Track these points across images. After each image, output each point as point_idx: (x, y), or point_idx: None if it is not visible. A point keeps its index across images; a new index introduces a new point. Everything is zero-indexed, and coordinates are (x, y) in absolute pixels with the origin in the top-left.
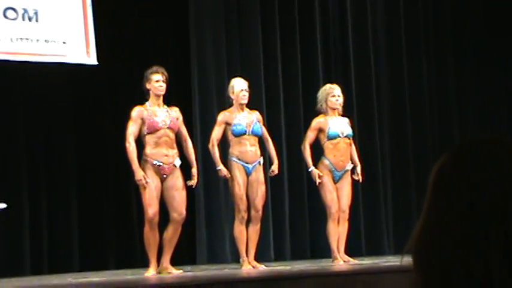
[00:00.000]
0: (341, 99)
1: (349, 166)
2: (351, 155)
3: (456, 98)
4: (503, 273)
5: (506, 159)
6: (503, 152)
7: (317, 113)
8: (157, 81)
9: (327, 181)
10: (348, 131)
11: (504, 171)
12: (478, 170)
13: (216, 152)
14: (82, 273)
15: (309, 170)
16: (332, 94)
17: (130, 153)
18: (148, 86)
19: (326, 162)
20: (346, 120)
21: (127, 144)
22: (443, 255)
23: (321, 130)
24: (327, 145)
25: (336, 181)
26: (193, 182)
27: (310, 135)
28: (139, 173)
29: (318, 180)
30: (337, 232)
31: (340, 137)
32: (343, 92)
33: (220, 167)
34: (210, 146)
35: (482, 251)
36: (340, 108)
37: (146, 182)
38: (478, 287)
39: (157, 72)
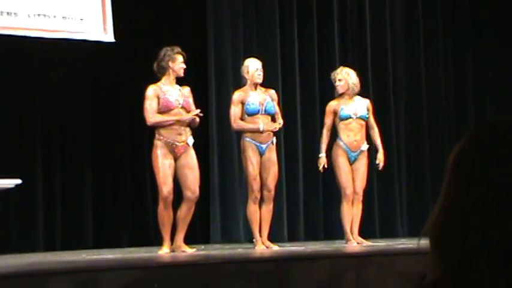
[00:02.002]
0: (343, 83)
1: (365, 147)
2: (372, 139)
3: (473, 81)
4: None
5: None
6: None
7: (333, 94)
8: (182, 62)
9: (342, 162)
10: (362, 112)
11: None
12: (496, 152)
13: (242, 124)
14: (95, 250)
15: (319, 155)
16: (336, 79)
17: (159, 121)
18: (171, 64)
19: (340, 143)
20: (364, 102)
21: (150, 120)
22: (462, 237)
23: (335, 113)
24: (340, 126)
25: (351, 162)
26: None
27: (327, 122)
28: (184, 116)
29: (320, 168)
30: (351, 214)
31: (352, 117)
32: (359, 73)
33: (260, 125)
34: (234, 125)
35: (501, 233)
36: (351, 91)
37: (200, 112)
38: (498, 269)
39: (181, 53)
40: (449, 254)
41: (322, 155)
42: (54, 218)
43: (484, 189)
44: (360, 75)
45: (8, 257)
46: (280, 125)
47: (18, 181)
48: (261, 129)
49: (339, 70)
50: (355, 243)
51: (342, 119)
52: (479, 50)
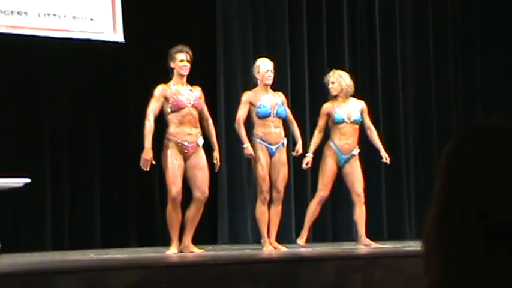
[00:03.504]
0: (336, 85)
1: (356, 151)
2: (370, 139)
3: (482, 80)
4: (497, 250)
5: (508, 145)
6: (506, 138)
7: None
8: (181, 60)
9: (329, 164)
10: (356, 116)
11: (505, 156)
12: (475, 155)
13: (242, 131)
14: (103, 250)
15: (306, 154)
16: (329, 82)
17: (147, 131)
18: (172, 64)
19: (331, 145)
20: (358, 104)
21: (146, 121)
22: (437, 239)
23: (328, 115)
24: (333, 129)
25: (341, 164)
26: (216, 166)
27: (320, 123)
28: (149, 153)
29: (304, 165)
30: (314, 214)
31: (345, 122)
32: (367, 74)
33: (247, 145)
34: (236, 125)
35: (458, 240)
36: (345, 93)
37: (151, 165)
38: (455, 272)
39: (182, 51)
40: (431, 255)
41: (309, 155)
42: (63, 218)
43: (448, 195)
44: (369, 77)
45: (16, 255)
46: (299, 151)
47: (27, 180)
48: (246, 153)
49: (331, 73)
50: (362, 245)
51: (335, 123)
52: (488, 54)
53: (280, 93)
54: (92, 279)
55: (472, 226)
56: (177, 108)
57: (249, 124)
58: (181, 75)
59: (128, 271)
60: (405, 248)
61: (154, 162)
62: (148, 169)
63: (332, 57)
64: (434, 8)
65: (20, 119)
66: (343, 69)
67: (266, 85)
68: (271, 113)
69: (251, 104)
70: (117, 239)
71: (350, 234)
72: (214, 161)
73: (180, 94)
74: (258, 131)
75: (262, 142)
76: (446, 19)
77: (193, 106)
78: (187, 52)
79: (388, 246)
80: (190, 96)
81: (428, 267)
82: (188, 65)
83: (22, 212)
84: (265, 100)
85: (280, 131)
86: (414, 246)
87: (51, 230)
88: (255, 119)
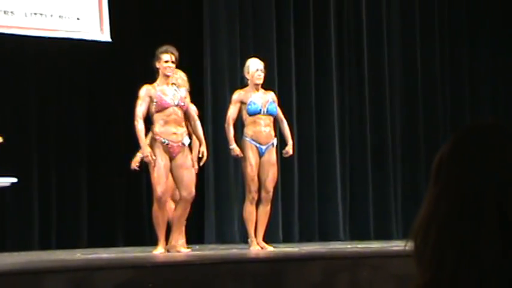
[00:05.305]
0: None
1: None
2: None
3: (469, 80)
4: (495, 258)
5: (501, 145)
6: (498, 138)
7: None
8: (166, 61)
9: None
10: None
11: (499, 156)
12: (469, 158)
13: (230, 131)
14: (90, 250)
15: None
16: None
17: (139, 131)
18: (157, 65)
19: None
20: None
21: (135, 123)
22: (434, 242)
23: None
24: None
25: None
26: (203, 160)
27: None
28: (146, 150)
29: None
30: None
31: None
32: (354, 75)
33: (233, 146)
34: (225, 125)
35: (471, 239)
36: None
37: (153, 159)
38: (466, 273)
39: (166, 52)
40: (422, 258)
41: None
42: (50, 217)
43: (456, 194)
44: (356, 77)
45: (3, 255)
46: (289, 153)
47: (14, 180)
48: (233, 154)
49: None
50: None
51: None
52: (475, 50)
53: (272, 92)
54: (79, 279)
55: (489, 226)
56: (162, 108)
57: (239, 124)
58: (166, 76)
59: (114, 271)
60: (392, 247)
61: (154, 157)
62: (154, 164)
63: (319, 59)
64: (421, 9)
65: (7, 118)
66: (329, 71)
67: (256, 85)
68: (262, 110)
69: (242, 102)
70: (104, 239)
71: (337, 234)
72: (200, 155)
73: (164, 94)
74: (248, 129)
75: (252, 141)
76: (433, 20)
77: (177, 106)
78: (172, 53)
79: (375, 246)
80: (175, 96)
81: (427, 268)
82: (173, 65)
83: (9, 211)
84: (256, 98)
85: (271, 130)
86: (401, 246)
87: (39, 229)
88: (245, 117)
